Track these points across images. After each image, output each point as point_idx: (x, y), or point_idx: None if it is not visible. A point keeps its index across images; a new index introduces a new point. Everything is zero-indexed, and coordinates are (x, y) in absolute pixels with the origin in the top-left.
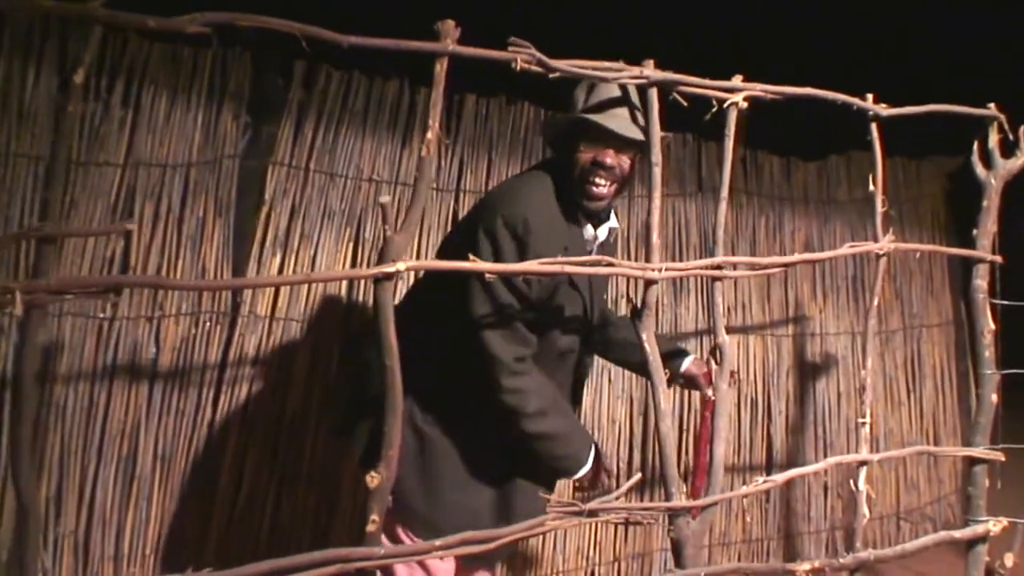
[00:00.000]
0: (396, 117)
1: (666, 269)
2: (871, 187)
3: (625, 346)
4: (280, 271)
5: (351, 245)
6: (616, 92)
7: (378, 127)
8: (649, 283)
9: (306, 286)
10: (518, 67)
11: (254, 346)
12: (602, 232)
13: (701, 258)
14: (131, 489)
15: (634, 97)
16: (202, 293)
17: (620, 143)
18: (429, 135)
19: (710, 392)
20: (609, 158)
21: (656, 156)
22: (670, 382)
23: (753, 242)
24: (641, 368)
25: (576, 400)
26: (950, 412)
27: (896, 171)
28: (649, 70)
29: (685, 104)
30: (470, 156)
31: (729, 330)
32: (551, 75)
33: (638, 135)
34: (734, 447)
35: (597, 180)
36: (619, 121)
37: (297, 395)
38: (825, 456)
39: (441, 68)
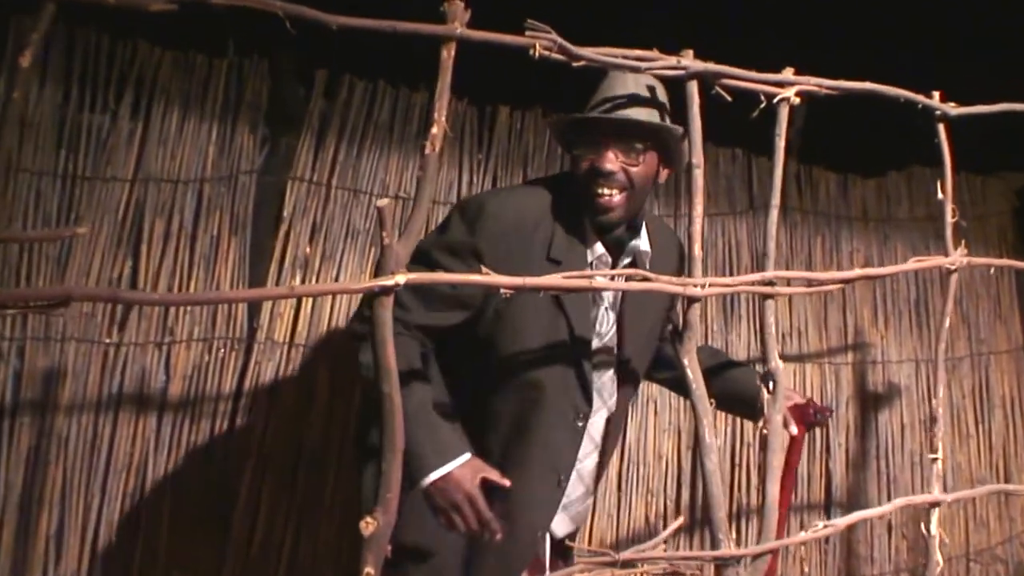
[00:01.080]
0: (425, 130)
1: (710, 285)
2: (939, 195)
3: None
4: None
5: (376, 266)
6: (626, 87)
7: (404, 140)
8: (691, 301)
9: (327, 310)
10: (536, 54)
11: (271, 374)
12: (628, 255)
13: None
14: (137, 528)
15: (650, 92)
16: (216, 317)
17: (618, 137)
18: (434, 129)
19: (794, 428)
20: (608, 162)
21: (697, 157)
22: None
23: (809, 263)
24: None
25: (598, 474)
26: (1022, 445)
27: (961, 188)
28: (688, 60)
29: (729, 99)
30: (504, 172)
31: (784, 357)
32: (574, 64)
33: (640, 119)
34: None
35: (600, 190)
36: (618, 113)
37: (316, 426)
38: (889, 494)
39: (448, 55)
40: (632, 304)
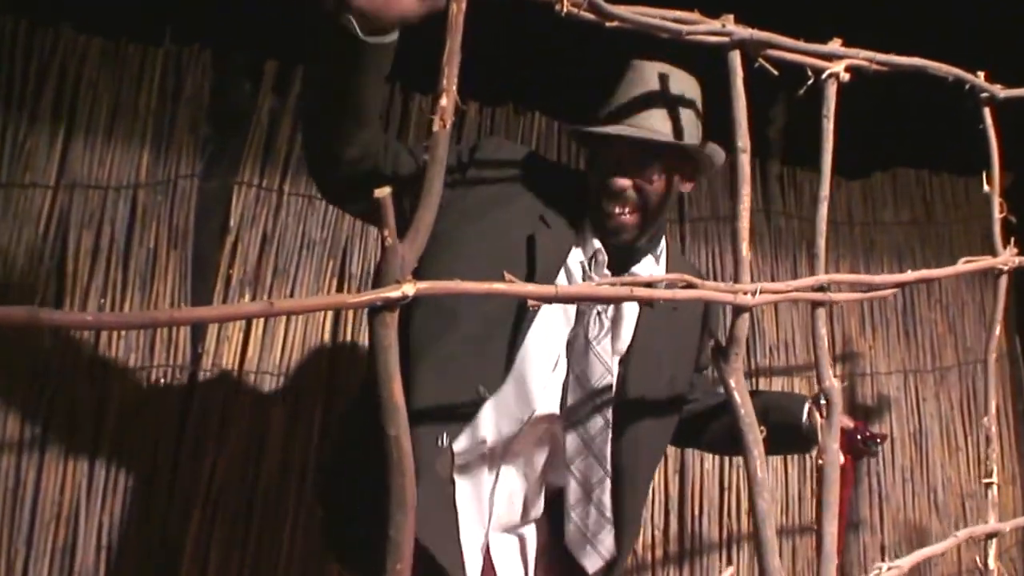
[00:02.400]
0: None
1: (762, 291)
2: (985, 187)
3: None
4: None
5: (334, 280)
6: (647, 86)
7: None
8: (740, 311)
9: (281, 332)
10: (564, 9)
11: (219, 407)
12: (641, 270)
13: None
14: None
15: (677, 90)
16: (155, 342)
17: (632, 154)
18: (443, 101)
19: (841, 457)
20: (619, 181)
21: (743, 139)
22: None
23: (794, 270)
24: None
25: (618, 504)
26: (1008, 457)
27: (943, 190)
28: (732, 25)
29: (776, 73)
30: None
31: (772, 371)
32: (607, 24)
33: (660, 136)
34: (781, 505)
35: (611, 208)
36: (631, 127)
37: (272, 466)
38: (882, 512)
39: (458, 8)
40: (652, 329)
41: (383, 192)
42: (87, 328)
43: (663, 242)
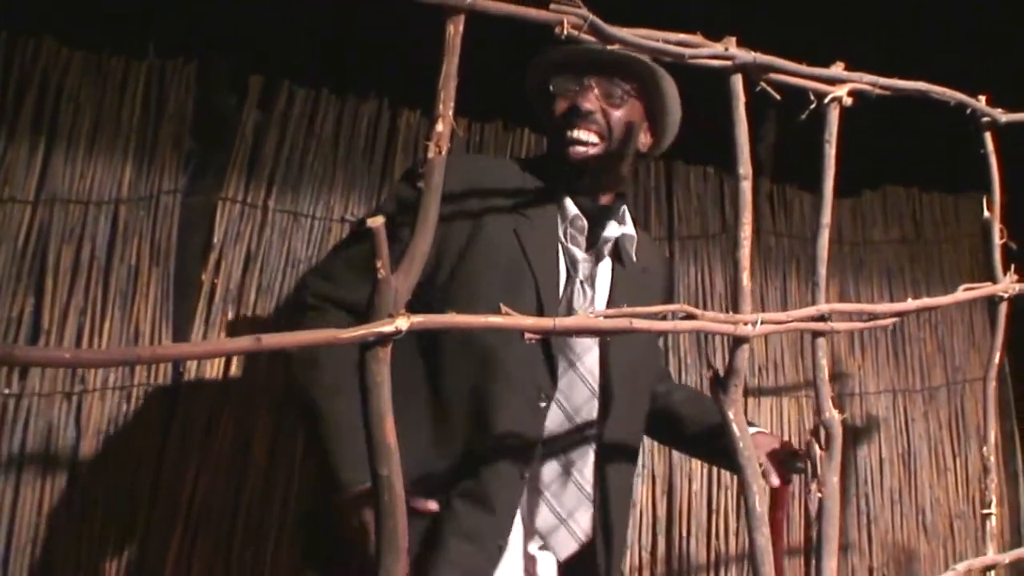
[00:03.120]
0: (374, 144)
1: (762, 322)
2: (986, 213)
3: (696, 425)
4: (233, 331)
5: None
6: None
7: (351, 156)
8: (739, 341)
9: None
10: (564, 32)
11: (201, 424)
12: (609, 231)
13: (725, 311)
14: None
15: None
16: None
17: (600, 73)
18: (439, 126)
19: (775, 479)
20: (587, 101)
21: (745, 167)
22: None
23: (784, 289)
24: (722, 456)
25: (603, 481)
26: (996, 478)
27: (933, 208)
28: (734, 48)
29: (777, 97)
30: None
31: (760, 391)
32: (608, 46)
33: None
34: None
35: (575, 132)
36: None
37: (256, 484)
38: (870, 533)
39: (455, 31)
40: (623, 291)
41: (376, 222)
42: (64, 366)
43: (625, 210)
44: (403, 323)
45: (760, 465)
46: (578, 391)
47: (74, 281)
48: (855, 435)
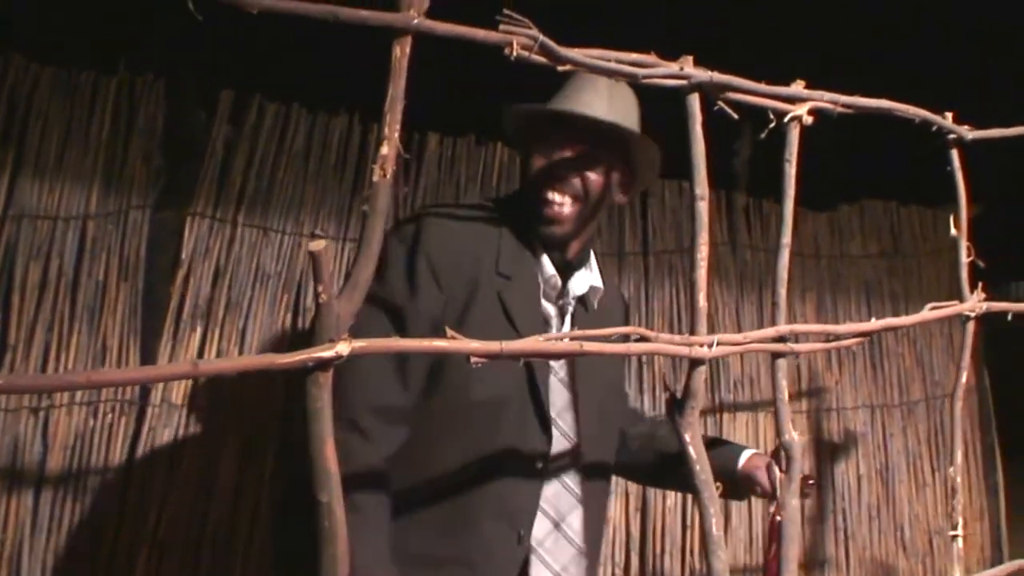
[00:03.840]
0: (344, 160)
1: (718, 343)
2: (953, 231)
3: (663, 455)
4: (202, 347)
5: (289, 315)
6: (596, 88)
7: (322, 172)
8: (695, 363)
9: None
10: (514, 53)
11: (168, 442)
12: (578, 284)
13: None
14: None
15: (625, 99)
16: None
17: (579, 139)
18: (384, 149)
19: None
20: (564, 164)
21: (701, 186)
22: (728, 494)
23: (759, 305)
24: (686, 483)
25: (590, 532)
26: (976, 491)
27: (912, 221)
28: (690, 68)
29: (735, 116)
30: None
31: (736, 406)
32: (559, 67)
33: (605, 118)
34: (744, 543)
35: (550, 194)
36: (576, 106)
37: (223, 505)
38: (847, 549)
39: (402, 52)
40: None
41: (318, 245)
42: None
43: (592, 256)
44: (344, 348)
45: (758, 487)
46: (559, 444)
47: (41, 297)
48: (832, 451)
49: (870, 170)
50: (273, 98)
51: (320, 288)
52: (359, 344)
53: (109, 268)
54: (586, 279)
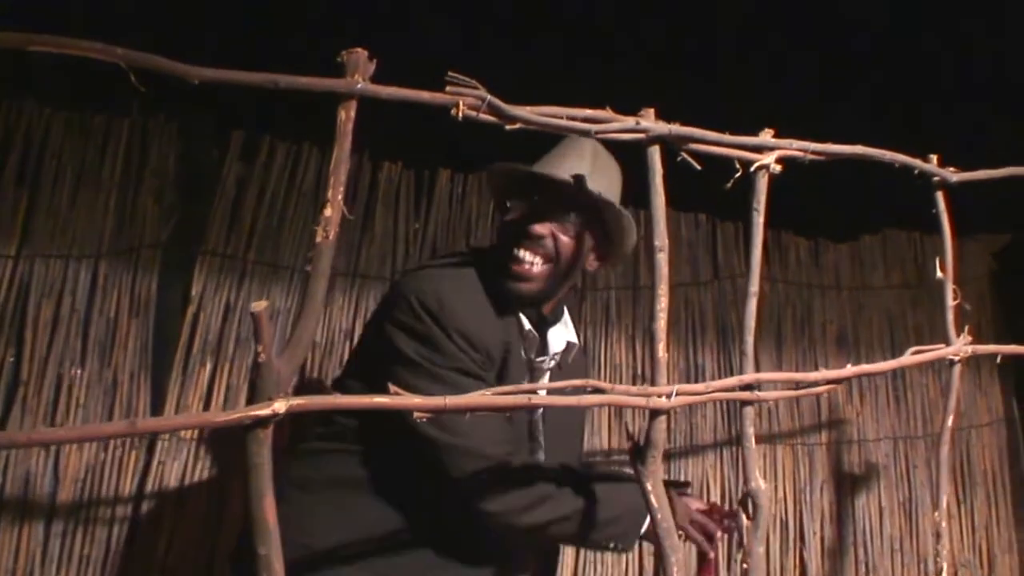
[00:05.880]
0: (354, 197)
1: (678, 393)
2: (939, 273)
3: None
4: (211, 383)
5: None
6: (581, 153)
7: None
8: (655, 413)
9: (243, 398)
10: (460, 114)
11: (177, 476)
12: (555, 340)
13: (719, 355)
14: None
15: (607, 167)
16: (113, 410)
17: (554, 200)
18: (327, 211)
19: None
20: (537, 224)
21: (660, 238)
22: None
23: (779, 336)
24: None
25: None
26: (1004, 524)
27: (936, 251)
28: (649, 121)
29: (698, 167)
30: (445, 243)
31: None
32: (508, 127)
33: (586, 184)
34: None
35: (521, 252)
36: (556, 170)
37: (231, 538)
38: None
39: (347, 116)
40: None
41: (259, 306)
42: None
43: (566, 312)
44: (281, 406)
45: (682, 533)
46: None
47: (54, 333)
48: (853, 483)
49: (893, 199)
50: (284, 137)
51: (260, 348)
52: (296, 401)
53: (120, 305)
54: (562, 335)
